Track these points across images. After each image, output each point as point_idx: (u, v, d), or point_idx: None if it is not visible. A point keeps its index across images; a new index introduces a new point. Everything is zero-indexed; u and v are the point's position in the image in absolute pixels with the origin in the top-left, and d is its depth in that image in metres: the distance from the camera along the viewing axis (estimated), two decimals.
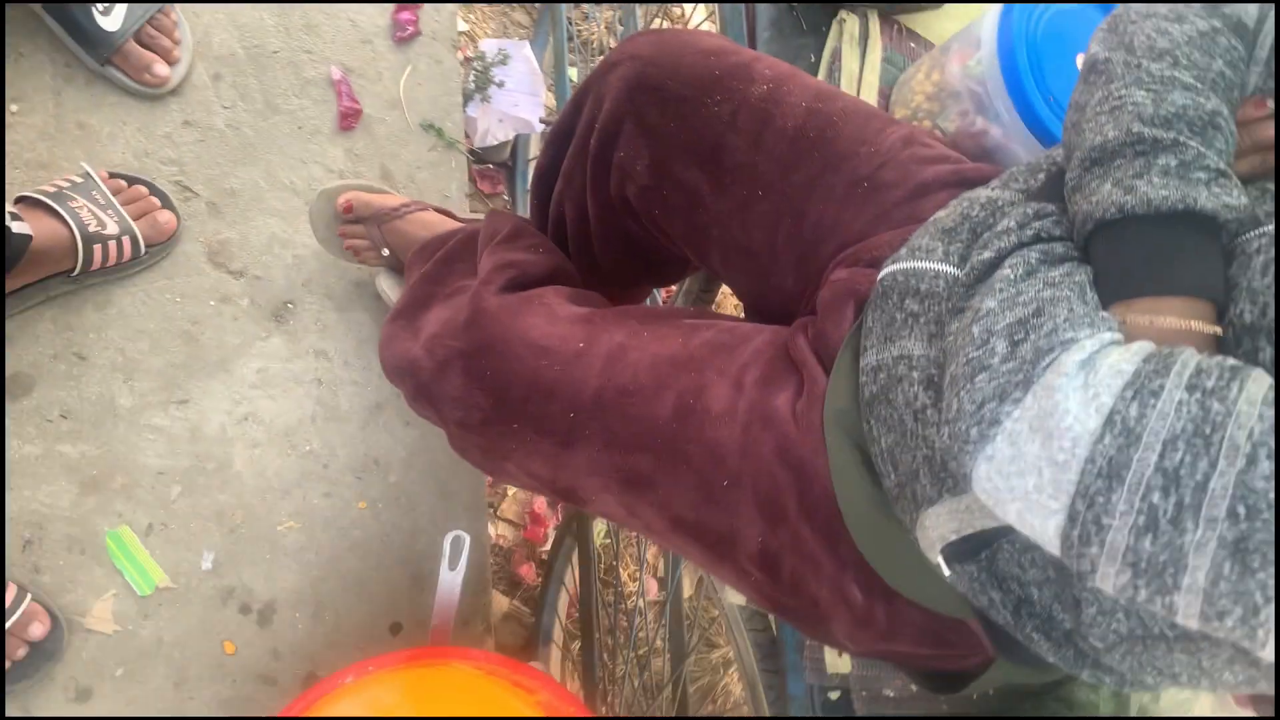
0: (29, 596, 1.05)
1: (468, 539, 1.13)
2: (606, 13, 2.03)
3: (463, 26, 1.81)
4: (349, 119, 1.40)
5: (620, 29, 1.90)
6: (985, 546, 0.60)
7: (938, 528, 0.62)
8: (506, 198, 1.89)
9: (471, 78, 1.73)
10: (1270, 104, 0.61)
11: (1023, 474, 0.50)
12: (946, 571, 0.62)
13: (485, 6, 1.88)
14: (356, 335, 1.33)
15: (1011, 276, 0.58)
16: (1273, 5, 0.60)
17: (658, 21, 2.09)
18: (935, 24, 1.22)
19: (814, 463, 0.70)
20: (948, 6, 1.21)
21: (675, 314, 0.88)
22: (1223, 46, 0.59)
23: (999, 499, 0.52)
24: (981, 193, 0.70)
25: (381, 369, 0.98)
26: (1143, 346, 0.49)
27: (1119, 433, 0.46)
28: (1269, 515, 0.41)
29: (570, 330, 0.83)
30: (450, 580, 1.13)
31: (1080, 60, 0.95)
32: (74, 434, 1.14)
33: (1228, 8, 0.59)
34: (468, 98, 1.71)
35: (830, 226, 0.82)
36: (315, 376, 1.30)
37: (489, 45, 1.77)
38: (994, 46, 0.94)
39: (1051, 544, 0.49)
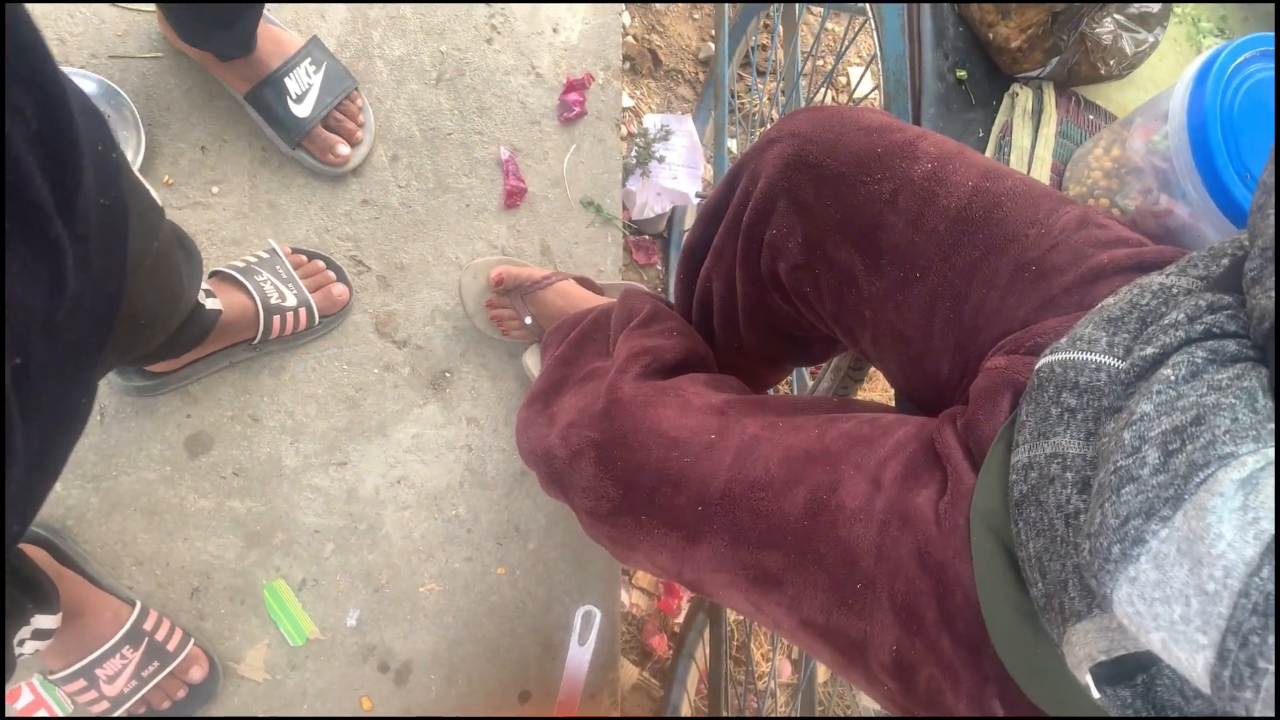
0: (192, 641, 1.13)
1: (598, 615, 1.13)
2: (770, 85, 2.04)
3: (628, 102, 1.87)
4: (514, 197, 1.46)
5: (783, 100, 1.91)
6: (1142, 670, 0.54)
7: (1086, 645, 0.56)
8: (660, 268, 1.92)
9: (634, 153, 1.77)
10: None
11: (1168, 601, 0.45)
12: (1096, 694, 0.56)
13: (652, 83, 1.93)
14: (507, 405, 1.38)
15: (1173, 377, 0.52)
16: None
17: (822, 93, 2.08)
18: (1117, 95, 1.15)
19: (956, 567, 0.65)
20: (1133, 75, 1.14)
21: (816, 405, 0.85)
22: None
23: (1142, 625, 0.47)
24: (1155, 279, 0.64)
25: (518, 451, 1.01)
26: None
27: None
28: None
29: (703, 421, 0.82)
30: (579, 655, 1.13)
31: None
32: (243, 490, 1.23)
33: None
34: (628, 172, 1.76)
35: (992, 313, 0.77)
36: (466, 443, 1.34)
37: (652, 121, 1.82)
38: (1183, 119, 0.87)
39: (1200, 681, 0.44)
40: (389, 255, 1.38)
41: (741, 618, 1.58)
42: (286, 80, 1.28)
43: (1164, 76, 1.03)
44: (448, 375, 1.37)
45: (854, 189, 0.83)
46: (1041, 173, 1.03)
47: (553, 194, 1.50)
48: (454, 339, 1.38)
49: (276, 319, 1.21)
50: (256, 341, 1.21)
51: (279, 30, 1.31)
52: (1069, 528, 0.56)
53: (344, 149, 1.35)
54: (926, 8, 1.03)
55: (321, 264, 1.30)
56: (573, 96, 1.54)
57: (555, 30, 1.53)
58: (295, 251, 1.29)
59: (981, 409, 0.70)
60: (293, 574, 1.23)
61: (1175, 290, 0.61)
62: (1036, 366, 0.65)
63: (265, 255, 1.25)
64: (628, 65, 1.87)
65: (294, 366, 1.29)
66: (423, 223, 1.41)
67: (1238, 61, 0.88)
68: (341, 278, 1.32)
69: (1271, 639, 0.39)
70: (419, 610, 1.27)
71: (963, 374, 0.80)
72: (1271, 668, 0.39)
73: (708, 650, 1.43)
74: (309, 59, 1.31)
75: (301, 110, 1.30)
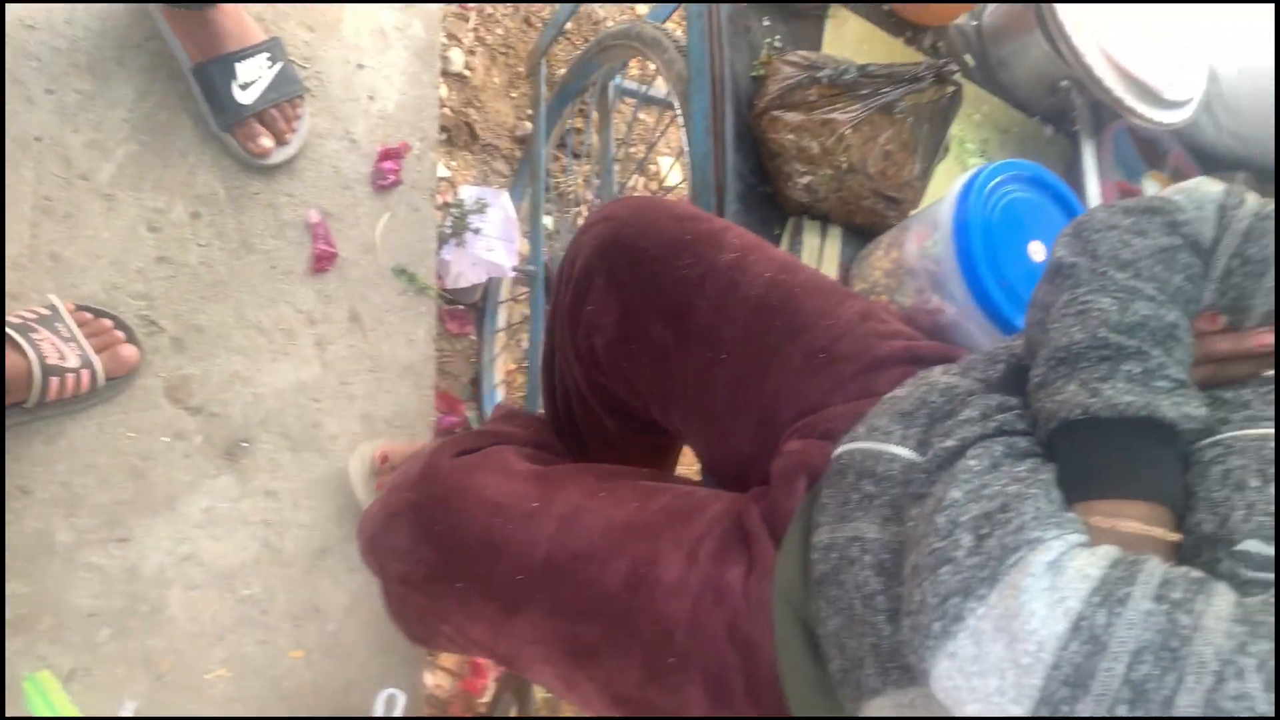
0: None
1: (402, 699, 1.10)
2: (585, 167, 2.11)
3: (444, 172, 1.87)
4: (323, 261, 1.43)
5: (597, 183, 1.98)
6: None
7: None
8: (474, 337, 1.92)
9: (449, 222, 1.77)
10: (1221, 319, 0.64)
11: (985, 674, 0.49)
12: None
13: (469, 155, 1.95)
14: (308, 475, 1.32)
15: (976, 468, 0.58)
16: (1228, 231, 0.63)
17: (634, 180, 2.17)
18: None
19: (762, 642, 0.69)
20: None
21: (633, 474, 0.88)
22: (1182, 263, 0.62)
23: (958, 698, 0.51)
24: (940, 378, 0.71)
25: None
26: (1109, 551, 0.49)
27: (1086, 640, 0.45)
28: None
29: (525, 488, 0.82)
30: None
31: (1032, 248, 1.00)
32: (7, 570, 1.11)
33: (1186, 227, 0.62)
34: (443, 241, 1.76)
35: (788, 394, 0.84)
36: (263, 518, 1.28)
37: (468, 193, 1.83)
38: (950, 229, 0.98)
39: None
40: (185, 316, 1.31)
41: (550, 695, 1.57)
42: (239, 65, 1.31)
43: (936, 188, 1.16)
44: (244, 445, 1.30)
45: (667, 270, 0.89)
46: (830, 268, 1.12)
47: (364, 260, 1.48)
48: (253, 406, 1.32)
49: (55, 381, 1.12)
50: (31, 405, 1.11)
51: (249, 20, 1.33)
52: (866, 608, 0.61)
53: (268, 142, 1.36)
54: (729, 114, 1.11)
55: (109, 323, 1.21)
56: (388, 164, 1.53)
57: (371, 98, 1.52)
58: (80, 309, 1.20)
59: (780, 490, 0.75)
60: (60, 663, 1.11)
61: (959, 390, 0.69)
62: (836, 453, 0.71)
63: (46, 312, 1.16)
64: (444, 136, 1.88)
65: (73, 433, 1.19)
66: (224, 283, 1.35)
67: (996, 181, 1.01)
68: (131, 338, 1.23)
69: (1080, 707, 0.44)
70: (204, 699, 1.18)
71: (764, 453, 0.84)
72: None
73: None
74: (267, 54, 1.34)
75: (245, 97, 1.32)
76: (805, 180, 1.07)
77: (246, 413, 1.31)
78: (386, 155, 1.53)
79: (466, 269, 1.78)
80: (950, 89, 1.09)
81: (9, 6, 1.24)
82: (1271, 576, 0.49)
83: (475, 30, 1.96)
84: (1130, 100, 1.25)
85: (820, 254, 1.15)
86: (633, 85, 1.94)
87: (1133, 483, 0.55)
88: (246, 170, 1.39)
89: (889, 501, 0.64)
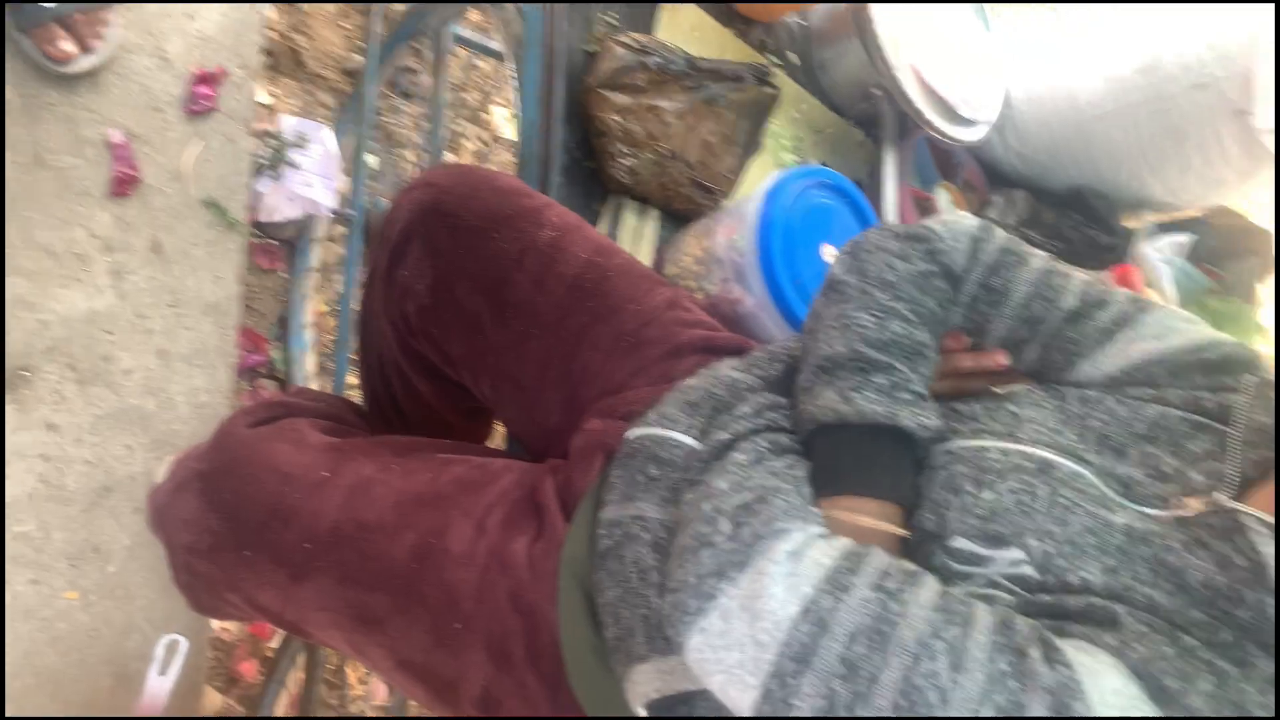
0: None
1: (184, 644, 1.09)
2: (415, 109, 2.07)
3: (265, 99, 1.79)
4: (124, 185, 1.35)
5: (427, 126, 1.94)
6: (685, 704, 0.66)
7: (644, 684, 0.67)
8: (285, 275, 1.86)
9: (266, 153, 1.70)
10: (965, 340, 0.74)
11: (729, 648, 0.55)
12: None
13: (293, 83, 1.87)
14: (94, 411, 1.26)
15: (743, 461, 0.64)
16: (977, 263, 0.72)
17: (466, 128, 2.15)
18: None
19: (545, 609, 0.73)
20: None
21: (430, 446, 0.90)
22: (935, 288, 0.70)
23: (706, 669, 0.57)
24: (726, 372, 0.77)
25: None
26: (843, 544, 0.57)
27: (813, 621, 0.52)
28: (926, 710, 0.48)
29: (317, 458, 0.83)
30: (158, 686, 1.08)
31: (825, 250, 1.09)
32: None
33: (943, 256, 0.71)
34: (258, 171, 1.69)
35: (595, 373, 0.88)
36: (41, 451, 1.21)
37: (289, 124, 1.76)
38: (755, 226, 1.05)
39: (746, 715, 0.54)
40: None
41: None
42: None
43: (750, 180, 1.23)
44: (25, 374, 1.22)
45: (486, 242, 0.91)
46: (646, 248, 1.18)
47: (171, 189, 1.40)
48: (37, 334, 1.24)
49: None
50: None
51: None
52: (641, 581, 0.68)
53: (69, 46, 1.26)
54: (560, 88, 1.13)
55: None
56: (203, 89, 1.45)
57: (190, 16, 1.44)
58: None
59: (577, 467, 0.80)
60: None
61: (741, 386, 0.75)
62: (628, 435, 0.76)
63: None
64: (268, 61, 1.79)
65: None
66: (11, 200, 1.25)
67: (801, 185, 1.09)
68: None
69: (804, 681, 0.51)
70: None
71: (568, 426, 0.89)
72: (804, 706, 0.51)
73: (302, 675, 1.41)
74: None
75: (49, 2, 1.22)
76: (628, 162, 1.11)
77: (30, 340, 1.23)
78: (203, 79, 1.45)
79: (282, 204, 1.72)
80: (770, 91, 1.16)
81: None
82: (976, 570, 0.58)
83: None
84: (931, 115, 1.36)
85: (639, 234, 1.20)
86: (471, 35, 1.91)
87: (871, 482, 0.63)
88: (43, 77, 1.29)
89: (670, 485, 0.70)
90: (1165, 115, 1.39)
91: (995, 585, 0.57)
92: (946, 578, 0.58)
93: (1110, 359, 0.69)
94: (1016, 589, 0.57)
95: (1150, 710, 0.48)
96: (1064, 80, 1.51)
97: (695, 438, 0.72)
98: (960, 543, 0.59)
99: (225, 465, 0.83)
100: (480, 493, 0.80)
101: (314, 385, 1.74)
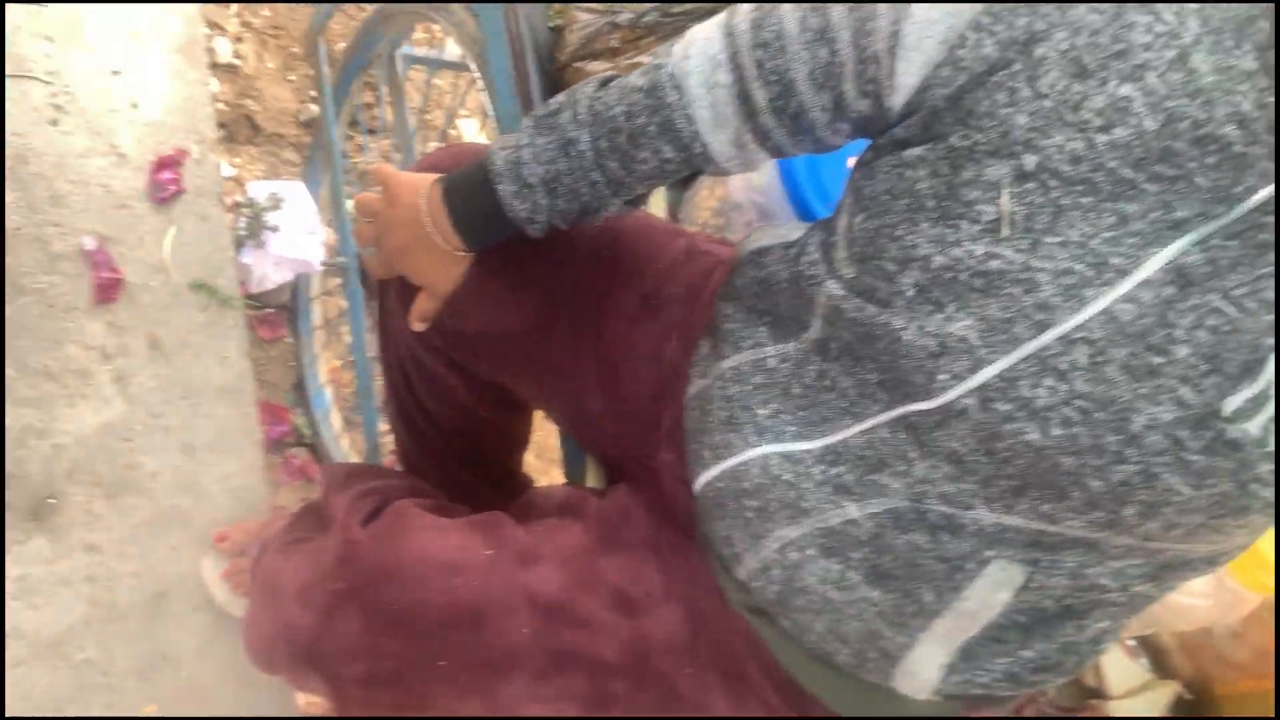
0: None
1: None
2: (384, 142, 2.03)
3: (229, 171, 1.76)
4: (107, 290, 1.32)
5: (399, 157, 1.90)
6: None
7: (933, 659, 0.63)
8: (290, 340, 1.83)
9: (242, 223, 1.67)
10: None
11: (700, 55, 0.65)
12: None
13: (253, 149, 1.83)
14: (130, 521, 1.24)
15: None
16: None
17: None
18: None
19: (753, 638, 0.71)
20: None
21: (505, 507, 0.84)
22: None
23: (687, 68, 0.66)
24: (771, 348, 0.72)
25: (249, 654, 0.88)
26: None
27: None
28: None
29: (465, 538, 0.74)
30: None
31: (851, 163, 1.03)
32: None
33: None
34: (240, 244, 1.66)
35: (624, 344, 0.81)
36: (86, 575, 1.20)
37: (258, 189, 1.72)
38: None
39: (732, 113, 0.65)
40: None
41: None
42: None
43: None
44: (51, 502, 1.20)
45: None
46: (657, 214, 1.12)
47: (155, 281, 1.37)
48: (54, 459, 1.22)
49: None
50: None
51: None
52: (843, 590, 0.64)
53: None
54: (533, 72, 1.07)
55: None
56: (165, 175, 1.42)
57: (135, 105, 1.40)
58: None
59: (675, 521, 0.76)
60: None
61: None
62: (697, 490, 0.72)
63: None
64: (224, 133, 1.76)
65: None
66: None
67: None
68: None
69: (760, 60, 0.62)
70: None
71: (613, 413, 0.82)
72: (760, 88, 0.62)
73: None
74: None
75: None
76: None
77: (48, 467, 1.21)
78: (162, 165, 1.42)
79: (270, 270, 1.69)
80: None
81: None
82: None
83: (239, 15, 1.82)
84: None
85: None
86: (422, 52, 1.86)
87: None
88: None
89: (783, 501, 0.66)
90: None
91: None
92: None
93: None
94: None
95: None
96: None
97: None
98: None
99: (374, 576, 0.73)
100: (620, 529, 0.77)
101: (344, 441, 1.72)
